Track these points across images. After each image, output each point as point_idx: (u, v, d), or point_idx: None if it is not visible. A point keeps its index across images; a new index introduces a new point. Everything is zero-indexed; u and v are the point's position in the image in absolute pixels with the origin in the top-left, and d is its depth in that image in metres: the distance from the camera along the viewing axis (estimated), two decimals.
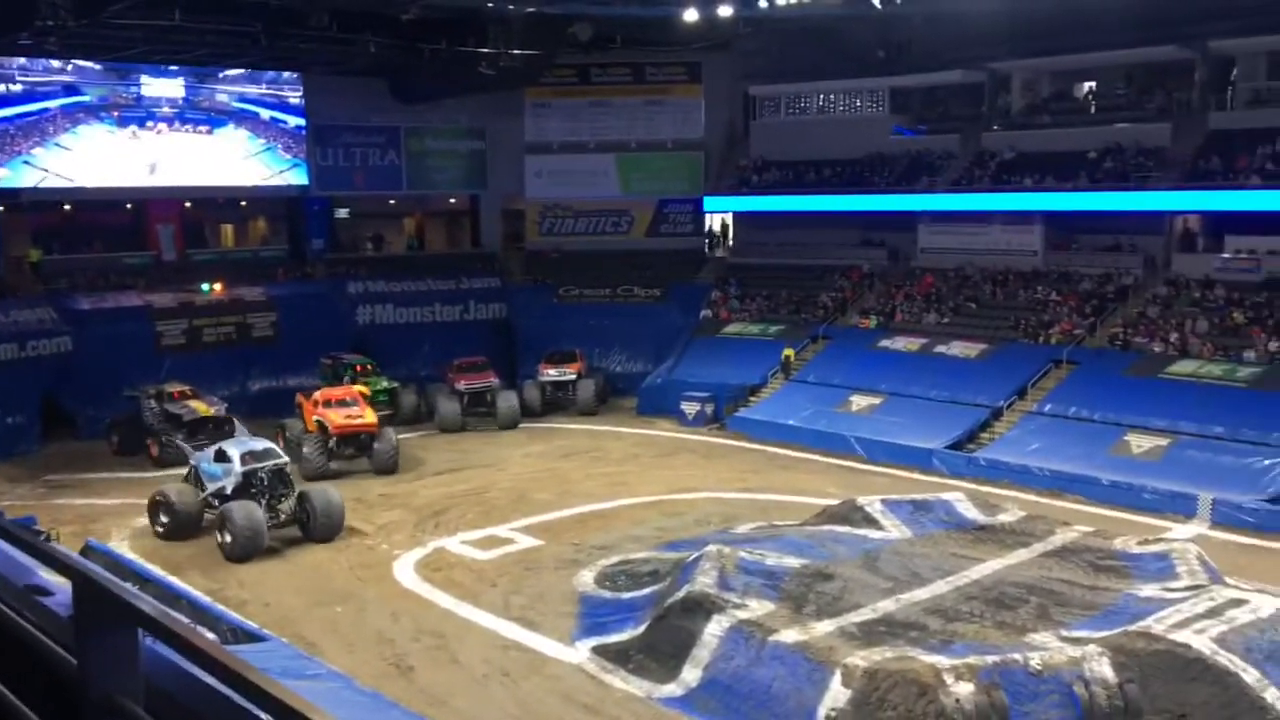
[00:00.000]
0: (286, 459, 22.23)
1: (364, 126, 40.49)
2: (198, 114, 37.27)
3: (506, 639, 16.56)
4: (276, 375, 34.53)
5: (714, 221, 45.01)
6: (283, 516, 21.35)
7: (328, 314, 36.88)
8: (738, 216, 43.96)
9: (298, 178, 39.29)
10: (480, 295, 40.15)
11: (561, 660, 15.70)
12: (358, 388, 29.29)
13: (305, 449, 26.26)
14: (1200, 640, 13.18)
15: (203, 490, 21.86)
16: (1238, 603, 14.44)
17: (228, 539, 20.07)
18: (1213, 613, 14.05)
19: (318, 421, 27.13)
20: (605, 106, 41.87)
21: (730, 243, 44.95)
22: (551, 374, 34.65)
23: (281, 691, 1.62)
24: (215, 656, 1.75)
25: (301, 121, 38.94)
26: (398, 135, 41.18)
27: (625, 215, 42.51)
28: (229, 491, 21.19)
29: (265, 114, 38.71)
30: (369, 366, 33.68)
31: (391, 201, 44.35)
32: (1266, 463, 23.44)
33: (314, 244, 40.73)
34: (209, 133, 37.50)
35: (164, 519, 21.47)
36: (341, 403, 27.53)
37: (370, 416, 27.40)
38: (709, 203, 42.06)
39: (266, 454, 21.92)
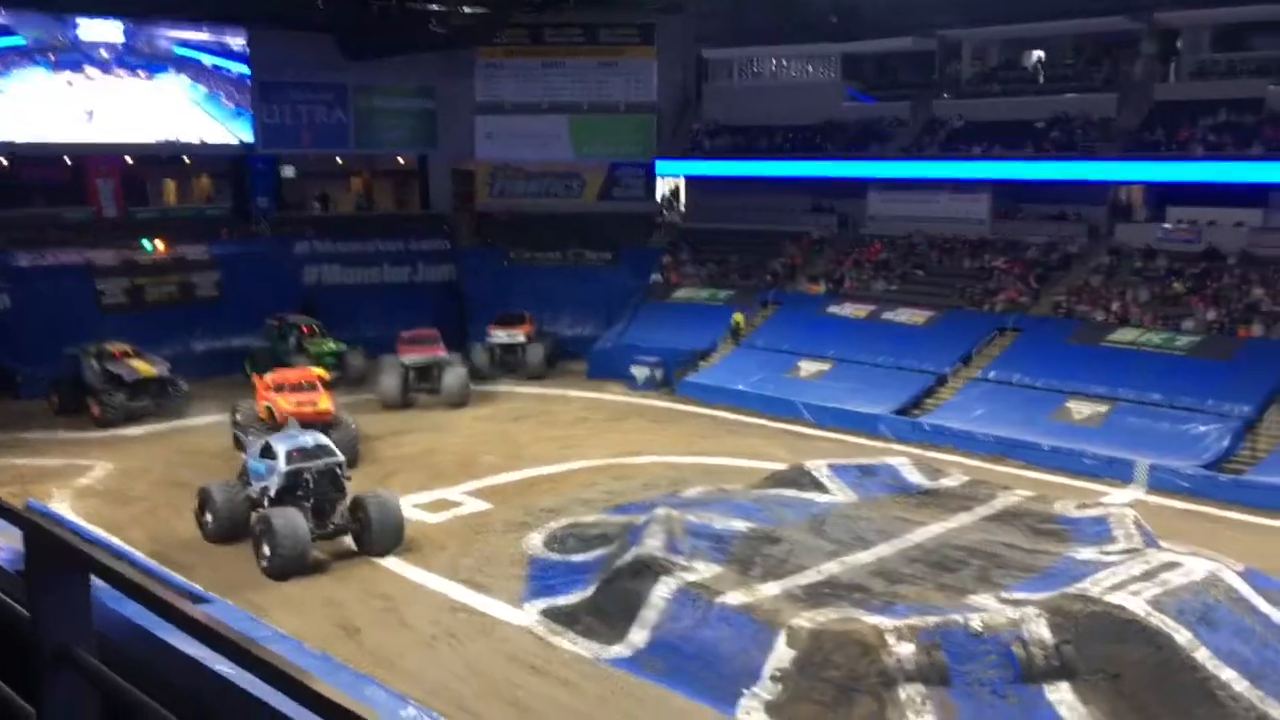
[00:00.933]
0: (341, 457, 19.13)
1: (311, 83, 39.76)
2: (136, 59, 36.26)
3: (455, 601, 16.58)
4: (221, 336, 34.08)
5: (666, 186, 44.91)
6: (331, 526, 18.39)
7: (273, 274, 36.39)
8: (690, 181, 43.91)
9: (241, 128, 38.49)
10: (429, 257, 39.85)
11: (510, 622, 15.76)
12: (316, 371, 26.80)
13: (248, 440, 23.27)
14: (1135, 602, 13.52)
15: (248, 488, 19.29)
16: (1172, 566, 14.81)
17: (266, 551, 17.33)
18: (1148, 576, 14.41)
19: (266, 408, 24.55)
20: (558, 67, 41.48)
21: (682, 207, 44.92)
22: (500, 336, 34.29)
23: (234, 635, 1.62)
24: (169, 602, 1.74)
25: (245, 69, 38.02)
26: (345, 93, 40.51)
27: (577, 178, 42.28)
28: (272, 493, 18.36)
29: (207, 60, 37.75)
30: (315, 328, 33.32)
31: (339, 160, 43.64)
32: (1202, 429, 24.01)
33: (259, 203, 40.03)
34: (148, 78, 36.54)
35: (207, 518, 19.10)
36: (296, 387, 24.87)
37: (325, 403, 24.53)
38: (661, 167, 41.93)
39: (318, 451, 18.87)
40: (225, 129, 38.39)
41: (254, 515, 18.25)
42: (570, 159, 42.01)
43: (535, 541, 18.90)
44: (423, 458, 24.99)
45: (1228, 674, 12.74)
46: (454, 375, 30.47)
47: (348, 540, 18.66)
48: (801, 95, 39.34)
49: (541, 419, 29.09)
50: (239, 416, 25.40)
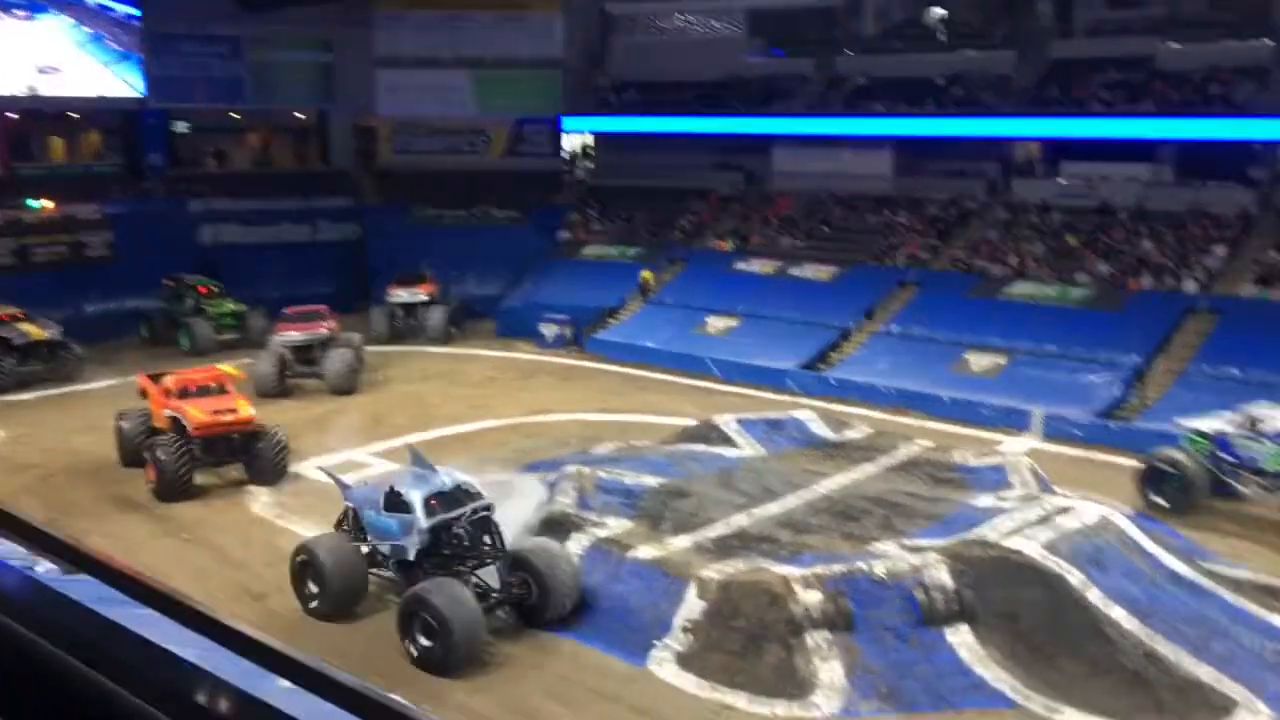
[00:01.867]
0: (489, 499, 14.66)
1: (204, 35, 38.46)
2: None
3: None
4: (114, 297, 33.04)
5: (573, 142, 44.57)
6: (494, 598, 13.88)
7: (168, 233, 35.29)
8: (597, 137, 43.65)
9: (129, 72, 36.99)
10: (331, 215, 39.05)
11: None
12: (224, 369, 22.05)
13: (161, 457, 19.05)
14: (1031, 546, 14.00)
15: (364, 545, 14.81)
16: (1065, 511, 15.36)
17: (423, 643, 12.98)
18: (1042, 520, 14.92)
19: (171, 416, 20.00)
20: (461, 20, 40.70)
21: (589, 164, 44.67)
22: (401, 295, 33.20)
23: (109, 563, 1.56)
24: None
25: (132, 10, 36.50)
26: (240, 45, 39.28)
27: (482, 135, 41.71)
28: (411, 557, 14.14)
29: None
30: (214, 289, 32.48)
31: (234, 116, 42.39)
32: (1094, 379, 24.86)
33: (152, 159, 38.74)
34: (28, 18, 34.93)
35: (313, 589, 14.41)
36: (204, 390, 20.49)
37: (246, 410, 20.23)
38: (567, 123, 41.60)
39: (461, 495, 14.44)
40: (111, 73, 36.84)
41: (404, 595, 13.55)
42: (475, 115, 41.39)
43: None
44: (327, 419, 24.62)
45: (1117, 612, 13.29)
46: (338, 357, 26.73)
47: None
48: (707, 51, 39.29)
49: (451, 378, 28.85)
50: (126, 425, 20.88)
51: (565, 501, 16.10)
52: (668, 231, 36.96)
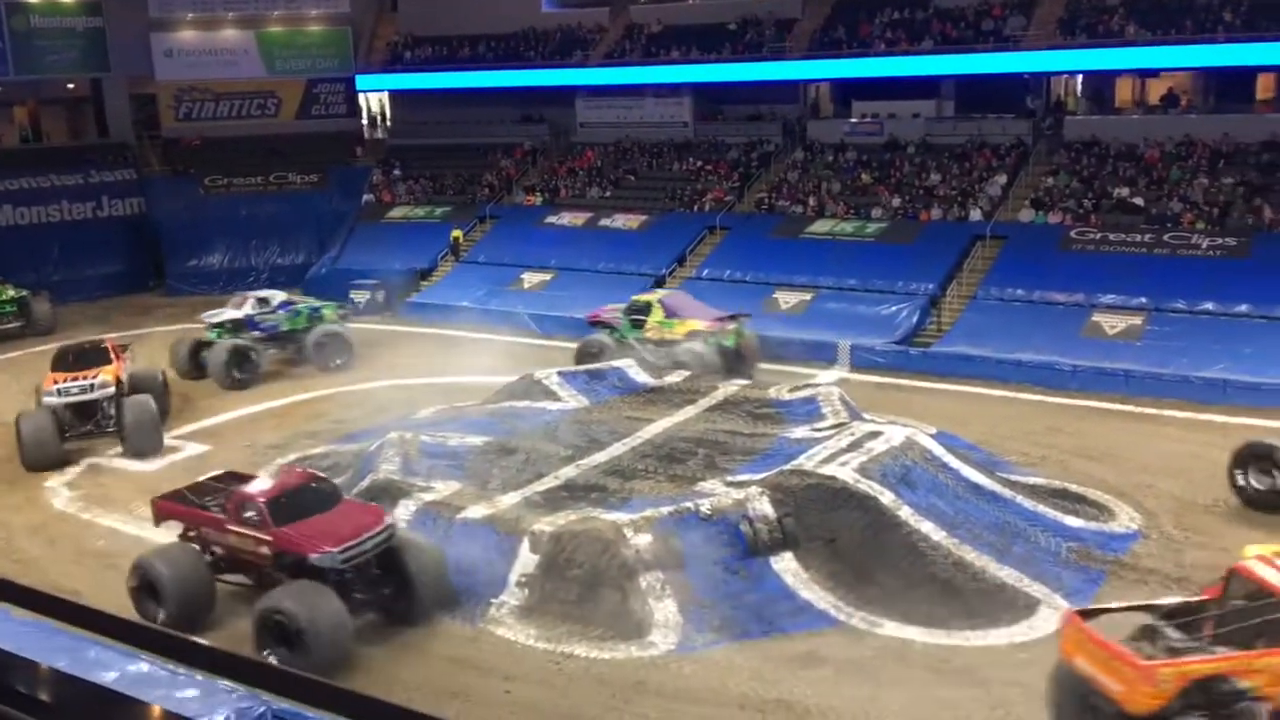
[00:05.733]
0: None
1: None
2: None
3: None
4: None
5: (369, 101, 43.28)
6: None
7: None
8: (394, 95, 42.53)
9: None
10: (114, 189, 36.84)
11: None
12: None
13: None
14: (844, 472, 14.69)
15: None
16: (874, 435, 16.16)
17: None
18: (854, 446, 15.67)
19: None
20: None
21: (388, 123, 43.52)
22: (64, 386, 20.19)
23: None
24: None
25: None
26: None
27: (272, 96, 40.01)
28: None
29: None
30: None
31: None
32: (893, 309, 26.09)
33: None
34: None
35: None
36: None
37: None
38: (361, 81, 40.35)
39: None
40: None
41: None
42: (262, 76, 39.64)
43: None
44: None
45: (927, 526, 14.13)
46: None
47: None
48: (499, 3, 38.71)
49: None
50: None
51: (389, 469, 15.87)
52: (475, 189, 36.50)
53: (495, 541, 14.04)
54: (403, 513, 14.72)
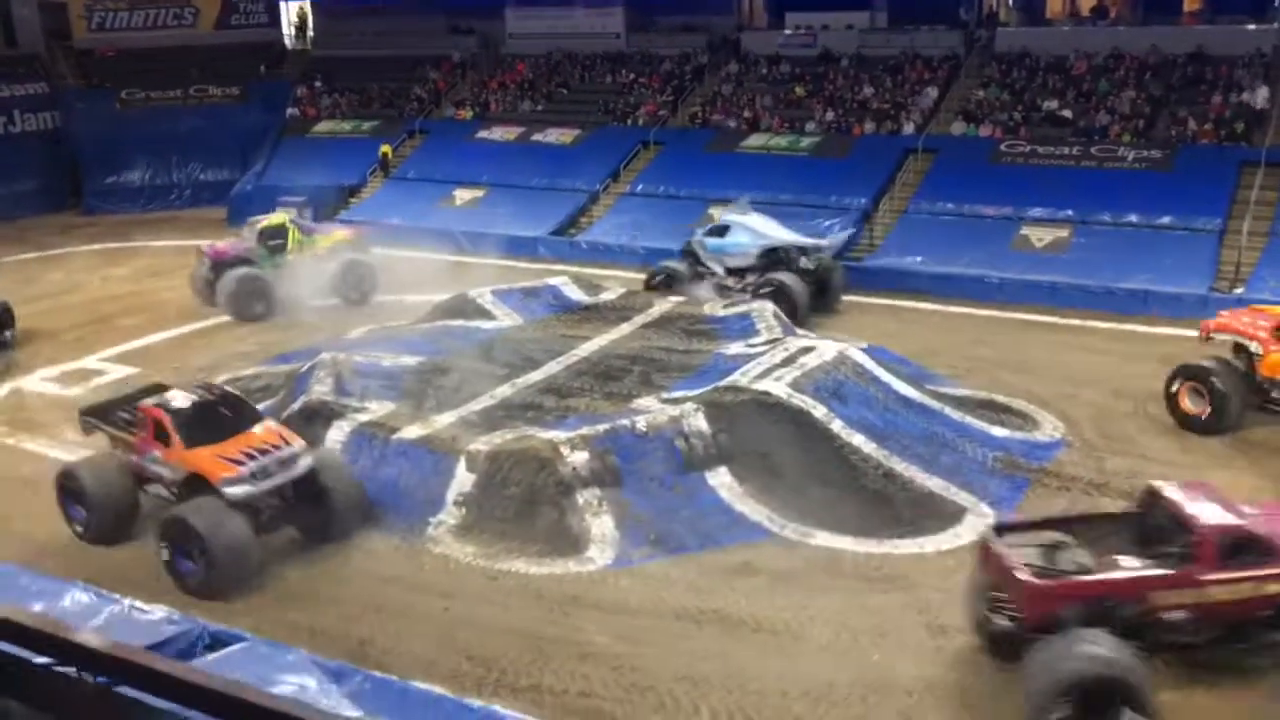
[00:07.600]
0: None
1: None
2: None
3: None
4: None
5: (291, 10, 41.87)
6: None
7: None
8: (316, 4, 41.19)
9: None
10: (25, 103, 35.45)
11: None
12: None
13: None
14: (778, 387, 14.86)
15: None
16: (807, 350, 16.34)
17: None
18: (787, 362, 15.83)
19: None
20: None
21: (311, 34, 42.18)
22: None
23: None
24: None
25: None
26: None
27: (189, 5, 38.55)
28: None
29: None
30: None
31: None
32: (827, 223, 26.14)
33: None
34: None
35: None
36: None
37: None
38: None
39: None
40: None
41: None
42: None
43: None
44: (46, 323, 22.64)
45: (858, 439, 14.40)
46: None
47: None
48: None
49: (183, 272, 27.04)
50: None
51: (322, 390, 15.69)
52: (403, 103, 35.68)
53: (432, 461, 14.04)
54: (337, 434, 14.64)
